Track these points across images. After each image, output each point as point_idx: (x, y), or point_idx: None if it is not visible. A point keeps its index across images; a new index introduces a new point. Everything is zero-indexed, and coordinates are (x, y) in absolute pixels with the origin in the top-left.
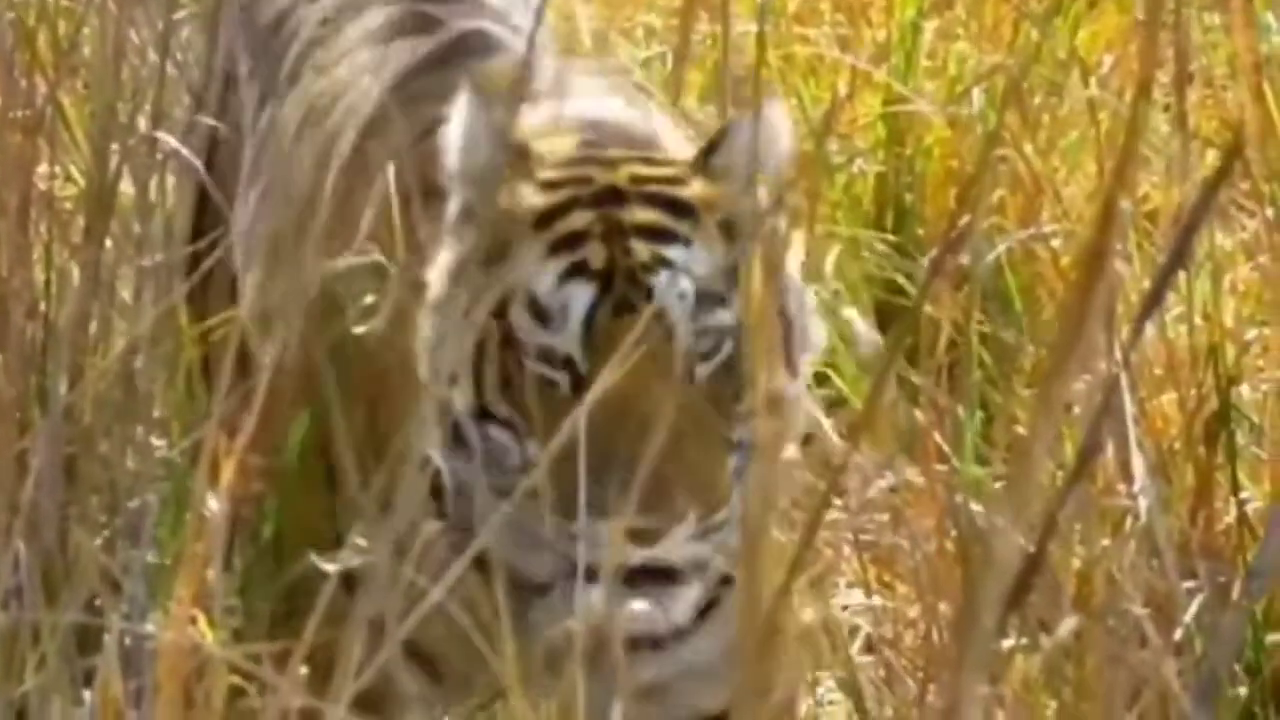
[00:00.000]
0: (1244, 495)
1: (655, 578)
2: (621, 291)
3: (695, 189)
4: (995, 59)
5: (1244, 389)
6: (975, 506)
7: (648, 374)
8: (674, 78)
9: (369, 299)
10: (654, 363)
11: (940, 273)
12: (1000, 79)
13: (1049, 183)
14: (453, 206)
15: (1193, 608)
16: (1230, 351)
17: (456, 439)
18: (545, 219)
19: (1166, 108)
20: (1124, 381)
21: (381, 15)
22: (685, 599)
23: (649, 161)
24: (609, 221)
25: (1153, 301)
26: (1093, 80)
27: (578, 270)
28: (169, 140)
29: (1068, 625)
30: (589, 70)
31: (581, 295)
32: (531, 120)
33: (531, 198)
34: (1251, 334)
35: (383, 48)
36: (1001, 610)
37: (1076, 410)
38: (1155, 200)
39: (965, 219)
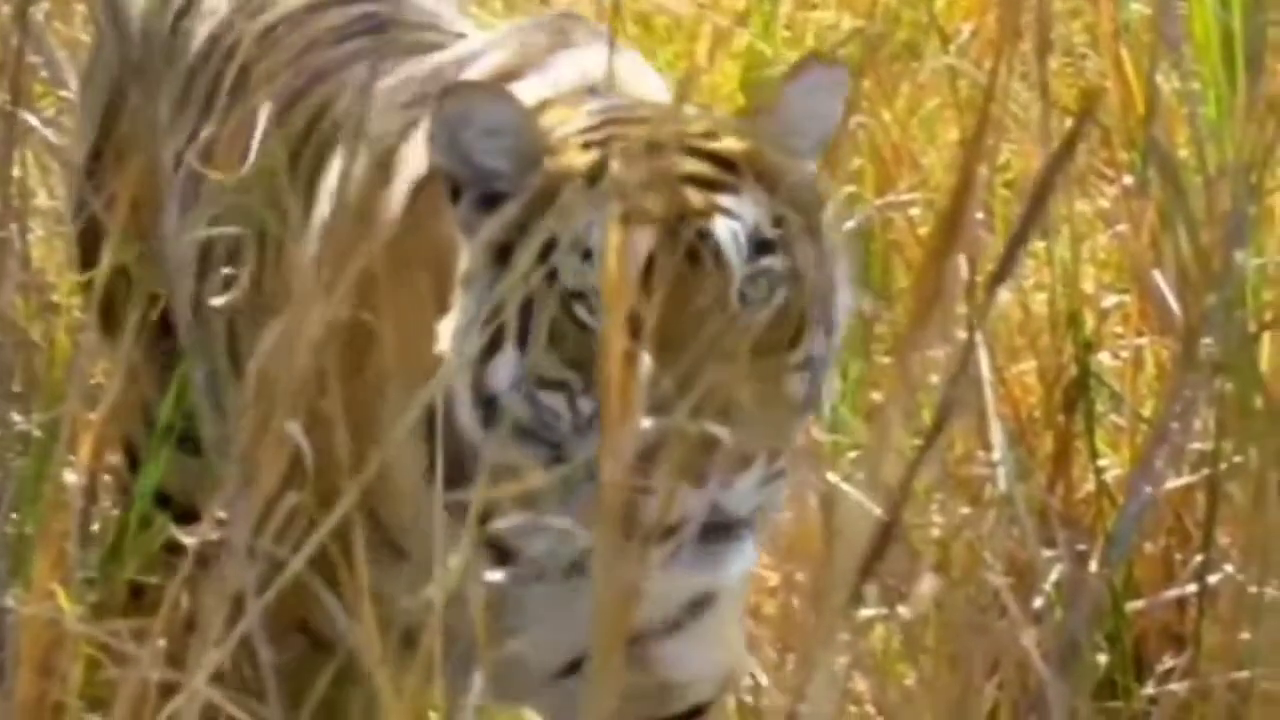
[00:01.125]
0: (1103, 463)
1: (716, 530)
2: (681, 236)
3: (731, 143)
4: (854, 26)
5: (1103, 356)
6: (834, 475)
7: (706, 319)
8: None
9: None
10: (712, 307)
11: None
12: (858, 46)
13: (907, 151)
14: (468, 198)
15: (1052, 576)
16: (1089, 319)
17: (489, 417)
18: (594, 174)
19: (1025, 75)
20: (981, 349)
21: (333, 18)
22: (742, 553)
23: (680, 118)
24: (660, 171)
25: (1006, 267)
26: (952, 48)
27: (635, 217)
28: (29, 119)
29: (924, 587)
30: (538, 29)
31: (642, 240)
32: (531, 97)
33: (577, 157)
34: (1110, 301)
35: (336, 50)
36: (857, 578)
37: (935, 379)
38: (1016, 168)
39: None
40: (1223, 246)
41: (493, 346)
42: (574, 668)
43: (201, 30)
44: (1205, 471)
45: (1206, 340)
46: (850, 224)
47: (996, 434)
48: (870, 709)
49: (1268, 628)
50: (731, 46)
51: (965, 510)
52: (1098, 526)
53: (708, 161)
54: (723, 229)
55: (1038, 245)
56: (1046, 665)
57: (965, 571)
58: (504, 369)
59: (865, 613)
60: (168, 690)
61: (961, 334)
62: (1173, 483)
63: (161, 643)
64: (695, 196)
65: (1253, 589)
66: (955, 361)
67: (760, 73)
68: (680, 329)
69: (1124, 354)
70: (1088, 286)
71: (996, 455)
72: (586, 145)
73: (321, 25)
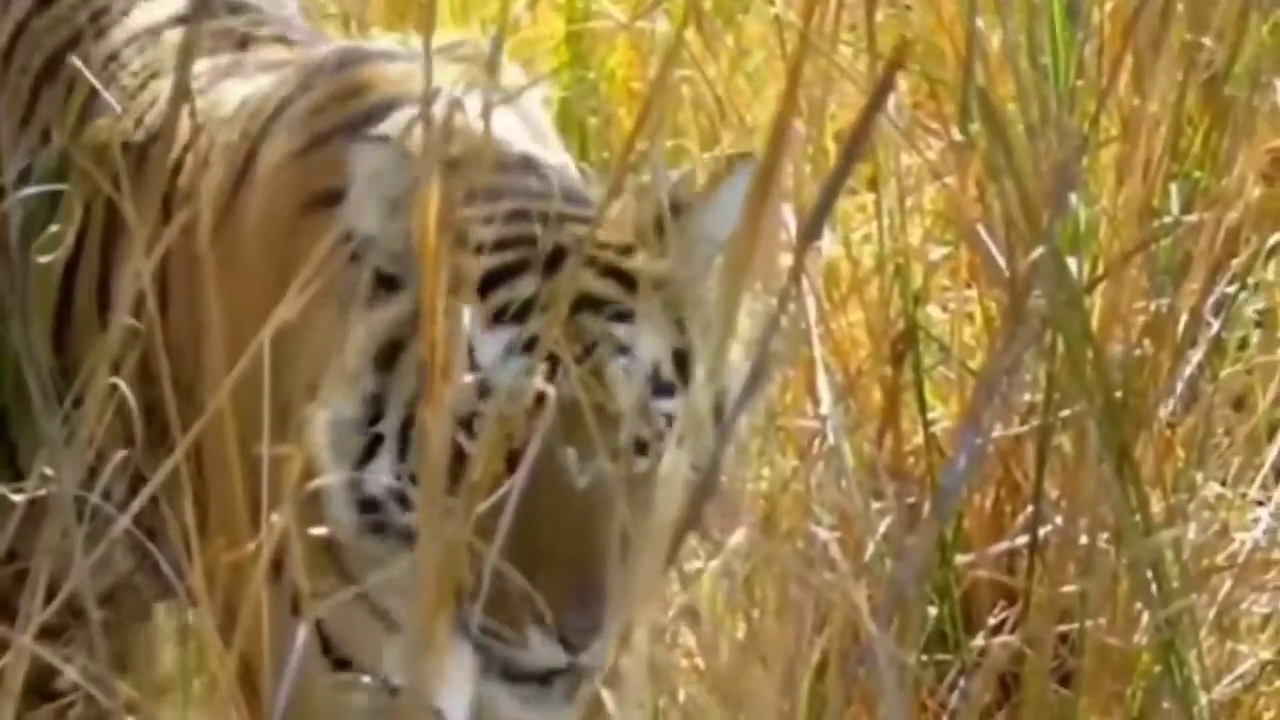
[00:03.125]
0: (931, 416)
1: (569, 678)
2: (572, 371)
3: (642, 262)
4: None
5: (931, 309)
6: None
7: (589, 462)
8: (357, 7)
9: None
10: (595, 450)
11: (618, 196)
12: None
13: (732, 105)
14: (365, 273)
15: (881, 528)
16: (917, 271)
17: (364, 517)
18: (489, 283)
19: (854, 28)
20: (808, 301)
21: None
22: (585, 696)
23: (599, 222)
24: (558, 290)
25: (821, 215)
26: (777, 0)
27: (526, 347)
28: None
29: (738, 538)
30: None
31: (534, 370)
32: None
33: (475, 262)
34: (938, 254)
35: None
36: (679, 530)
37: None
38: (843, 120)
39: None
40: (1049, 199)
41: (371, 449)
42: None
43: (47, 45)
44: (1034, 424)
45: (1036, 293)
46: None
47: (824, 386)
48: (700, 662)
49: (1096, 580)
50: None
51: (793, 463)
52: (927, 479)
53: (615, 282)
54: (616, 370)
55: (866, 197)
56: (875, 618)
57: (794, 524)
58: (382, 475)
59: (693, 566)
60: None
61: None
62: (1001, 433)
63: None
64: (593, 326)
65: (1082, 541)
66: (777, 312)
67: (583, 25)
68: (563, 475)
69: (952, 306)
70: (915, 239)
71: (825, 408)
72: (493, 245)
73: (169, 45)
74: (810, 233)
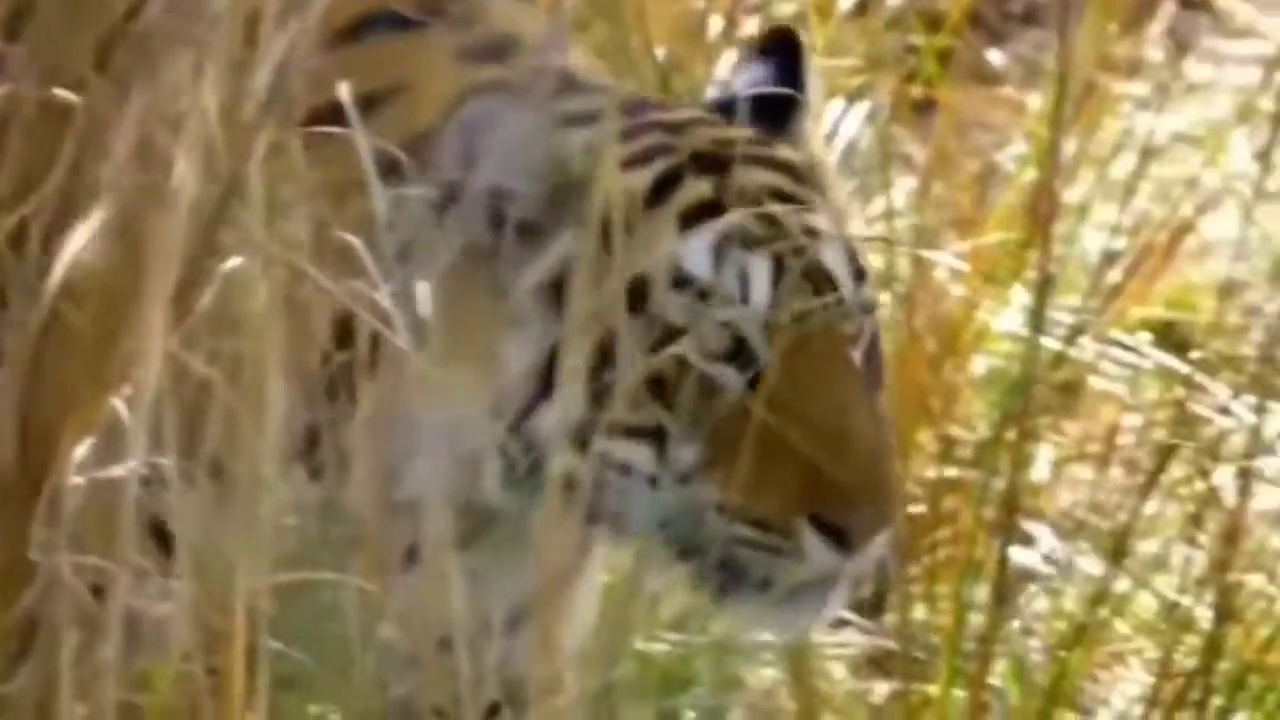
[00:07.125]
0: None
1: (835, 583)
2: (793, 263)
3: (789, 151)
4: None
5: None
6: None
7: (829, 362)
8: None
9: None
10: (832, 348)
11: None
12: None
13: None
14: (511, 225)
15: None
16: None
17: (522, 473)
18: (656, 193)
19: None
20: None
21: None
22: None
23: (713, 124)
24: (733, 187)
25: None
26: None
27: (738, 240)
28: None
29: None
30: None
31: (759, 267)
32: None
33: (630, 178)
34: None
35: None
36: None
37: None
38: None
39: None
40: None
41: (536, 396)
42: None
43: None
44: None
45: None
46: None
47: None
48: None
49: None
50: None
51: None
52: None
53: (777, 172)
54: (832, 257)
55: None
56: None
57: None
58: (553, 418)
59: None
60: None
61: None
62: None
63: None
64: (790, 218)
65: None
66: None
67: None
68: (813, 375)
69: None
70: None
71: None
72: (630, 162)
73: None
74: None
